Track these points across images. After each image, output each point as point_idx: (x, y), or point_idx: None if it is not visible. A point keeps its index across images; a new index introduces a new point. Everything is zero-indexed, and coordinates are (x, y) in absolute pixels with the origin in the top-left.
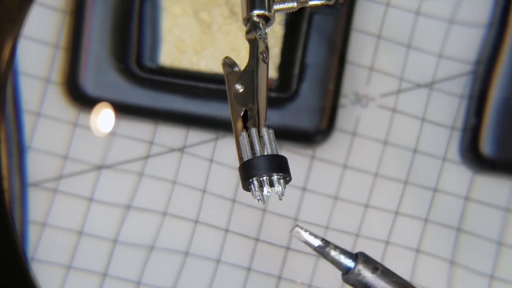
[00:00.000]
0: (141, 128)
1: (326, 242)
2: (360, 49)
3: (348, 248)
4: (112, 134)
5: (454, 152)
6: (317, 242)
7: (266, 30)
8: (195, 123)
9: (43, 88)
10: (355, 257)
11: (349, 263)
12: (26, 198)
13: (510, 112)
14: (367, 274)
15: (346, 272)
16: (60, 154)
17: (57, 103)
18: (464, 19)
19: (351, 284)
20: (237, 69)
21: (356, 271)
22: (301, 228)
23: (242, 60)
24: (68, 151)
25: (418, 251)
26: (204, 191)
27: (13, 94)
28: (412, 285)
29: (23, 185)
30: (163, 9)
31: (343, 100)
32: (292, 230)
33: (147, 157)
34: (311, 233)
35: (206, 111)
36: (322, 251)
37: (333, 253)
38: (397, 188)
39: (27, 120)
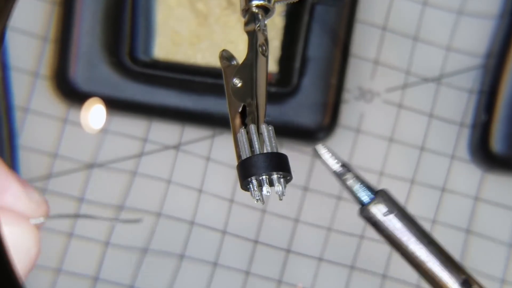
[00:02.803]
0: (134, 125)
1: (347, 169)
2: (364, 41)
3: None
4: (104, 131)
5: (463, 149)
6: (336, 167)
7: (266, 22)
8: (191, 119)
9: (31, 82)
10: (375, 192)
11: (365, 197)
12: None
13: None
14: (381, 213)
15: (361, 206)
16: (49, 152)
17: (46, 98)
18: (473, 10)
19: (364, 219)
20: (235, 62)
21: (371, 207)
22: (325, 147)
23: (240, 53)
24: (58, 148)
25: None
26: (200, 190)
27: (4, 91)
28: (433, 238)
29: None
30: None
31: (346, 95)
32: (314, 147)
33: (140, 155)
34: (333, 155)
35: (203, 107)
36: (340, 178)
37: (351, 182)
38: (403, 188)
39: (14, 116)
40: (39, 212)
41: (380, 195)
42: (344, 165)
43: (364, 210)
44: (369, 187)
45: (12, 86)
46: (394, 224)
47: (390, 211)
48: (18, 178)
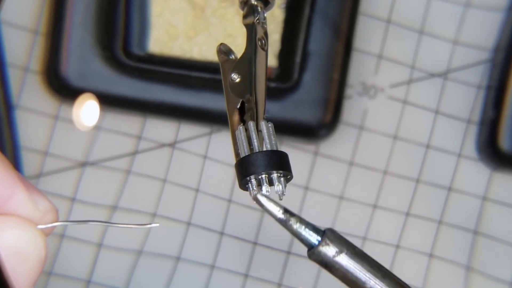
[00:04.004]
0: (128, 122)
1: (290, 213)
2: (367, 35)
3: None
4: (97, 128)
5: (470, 147)
6: (279, 213)
7: (265, 14)
8: (187, 116)
9: (21, 77)
10: (322, 233)
11: (313, 239)
12: None
13: None
14: (331, 254)
15: (310, 248)
16: (40, 149)
17: (37, 94)
18: (481, 2)
19: (315, 261)
20: (233, 57)
21: (319, 249)
22: (265, 195)
23: (238, 47)
24: (49, 146)
25: (431, 255)
26: (197, 190)
27: (3, 90)
28: (388, 272)
29: None
30: None
31: (349, 91)
32: (253, 196)
33: (135, 153)
34: (273, 201)
35: (199, 103)
36: (285, 223)
37: (296, 226)
38: (408, 187)
39: (4, 113)
40: (46, 219)
41: (327, 235)
42: (286, 210)
43: (314, 253)
44: (315, 229)
45: (9, 84)
46: (346, 262)
47: (340, 250)
48: (26, 184)
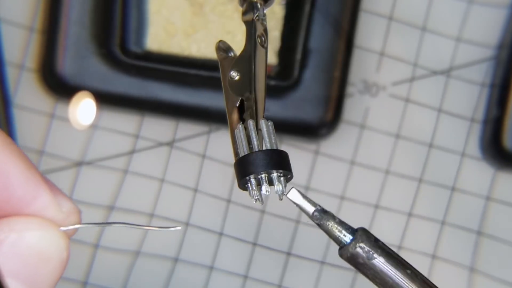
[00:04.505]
0: (125, 120)
1: (323, 211)
2: (369, 32)
3: None
4: (93, 126)
5: (474, 146)
6: (312, 209)
7: (265, 11)
8: (186, 114)
9: (17, 75)
10: (354, 232)
11: (346, 238)
12: None
13: None
14: (362, 253)
15: (341, 247)
16: (35, 148)
17: (32, 92)
18: None
19: (346, 260)
20: (232, 54)
21: (351, 248)
22: (298, 191)
23: (238, 44)
24: (44, 145)
25: (434, 257)
26: (195, 190)
27: (1, 89)
28: (419, 274)
29: None
30: None
31: (350, 89)
32: (287, 192)
33: (132, 152)
34: (307, 198)
35: (198, 101)
36: (318, 221)
37: (329, 224)
38: (411, 187)
39: (1, 112)
40: (69, 221)
41: (359, 234)
42: (320, 207)
43: (345, 251)
44: (348, 227)
45: (8, 84)
46: (377, 262)
47: (371, 250)
48: (49, 185)
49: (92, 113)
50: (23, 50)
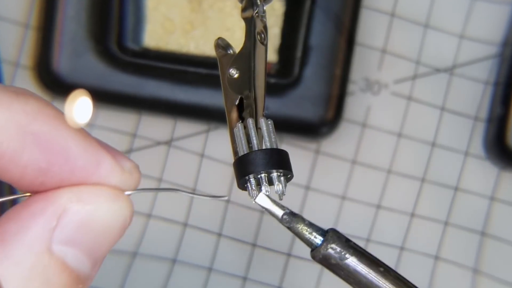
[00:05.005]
0: (122, 119)
1: (292, 213)
2: (371, 28)
3: None
4: (90, 125)
5: (477, 145)
6: (281, 213)
7: (265, 7)
8: (184, 112)
9: (11, 73)
10: (325, 233)
11: (316, 239)
12: None
13: None
14: (334, 254)
15: (313, 249)
16: None
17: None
18: None
19: (318, 262)
20: (231, 51)
21: (322, 249)
22: (266, 195)
23: (237, 41)
24: None
25: (437, 258)
26: (194, 190)
27: None
28: (392, 271)
29: None
30: None
31: (351, 87)
32: (255, 197)
33: (129, 151)
34: (275, 201)
35: (196, 99)
36: (287, 224)
37: (299, 227)
38: (413, 187)
39: None
40: (133, 180)
41: (330, 235)
42: (290, 210)
43: (316, 253)
44: (318, 229)
45: (3, 81)
46: (349, 262)
47: (343, 250)
48: (109, 149)
49: (89, 112)
50: (18, 47)
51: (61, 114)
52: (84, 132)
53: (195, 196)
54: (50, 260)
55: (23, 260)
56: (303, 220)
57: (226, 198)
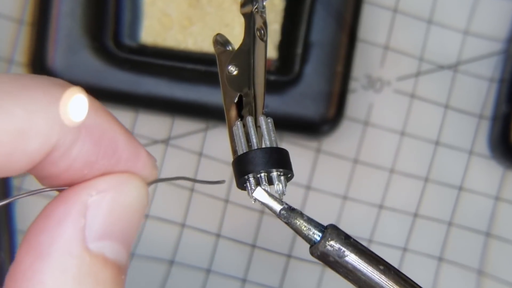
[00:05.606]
0: (119, 116)
1: (290, 208)
2: (373, 25)
3: None
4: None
5: (482, 144)
6: (279, 207)
7: (264, 3)
8: (182, 110)
9: (6, 70)
10: (324, 229)
11: (315, 235)
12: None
13: None
14: (333, 250)
15: (311, 245)
16: None
17: None
18: None
19: (316, 258)
20: (230, 48)
21: (320, 246)
22: (264, 189)
23: (236, 37)
24: None
25: (440, 259)
26: (192, 189)
27: None
28: (392, 268)
29: None
30: None
31: (353, 84)
32: (252, 191)
33: None
34: (273, 196)
35: (195, 97)
36: (285, 219)
37: (297, 222)
38: (416, 186)
39: None
40: (155, 174)
41: (329, 231)
42: (288, 205)
43: (315, 249)
44: (317, 224)
45: None
46: (349, 258)
47: (342, 247)
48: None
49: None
50: (12, 43)
51: (104, 108)
52: (124, 126)
53: (196, 182)
54: (91, 259)
55: (67, 266)
56: (301, 215)
57: (224, 182)
